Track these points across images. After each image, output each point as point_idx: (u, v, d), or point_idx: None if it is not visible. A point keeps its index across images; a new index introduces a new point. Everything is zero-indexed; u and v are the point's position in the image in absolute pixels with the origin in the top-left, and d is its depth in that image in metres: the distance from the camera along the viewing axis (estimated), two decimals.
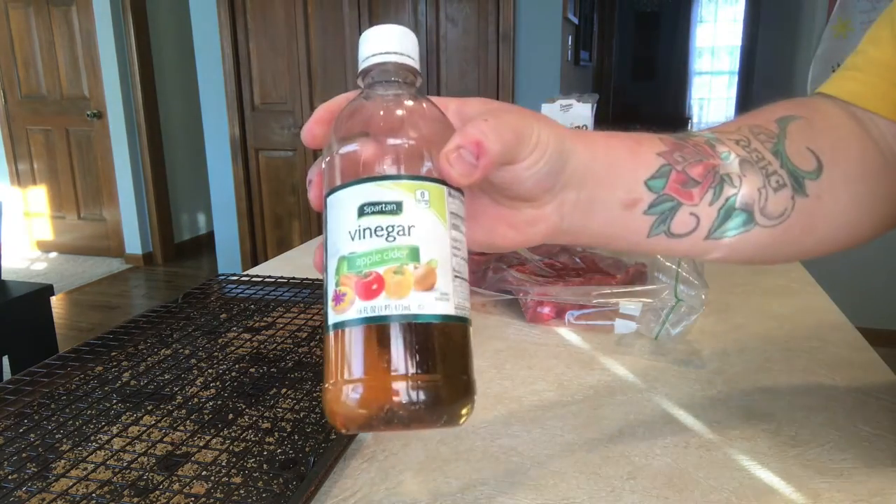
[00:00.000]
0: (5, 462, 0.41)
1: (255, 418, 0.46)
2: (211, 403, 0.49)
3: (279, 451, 0.42)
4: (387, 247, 0.26)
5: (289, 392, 0.50)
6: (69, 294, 3.53)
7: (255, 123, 3.14)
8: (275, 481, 0.39)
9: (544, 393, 0.54)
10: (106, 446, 0.43)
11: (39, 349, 1.91)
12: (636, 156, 0.39)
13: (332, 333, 0.26)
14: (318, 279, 0.76)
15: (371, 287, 0.25)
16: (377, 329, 0.25)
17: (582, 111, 1.33)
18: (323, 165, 0.30)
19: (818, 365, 0.58)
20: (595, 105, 1.38)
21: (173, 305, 0.70)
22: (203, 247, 4.38)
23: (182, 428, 0.45)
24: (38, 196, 4.25)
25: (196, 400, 0.49)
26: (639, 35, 7.45)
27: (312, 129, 0.33)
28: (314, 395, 0.50)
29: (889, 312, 2.37)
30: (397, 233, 0.26)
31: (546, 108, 1.34)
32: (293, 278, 0.77)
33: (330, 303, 0.26)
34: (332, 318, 0.26)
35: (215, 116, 3.17)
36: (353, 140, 0.28)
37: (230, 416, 0.47)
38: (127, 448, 0.42)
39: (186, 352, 0.58)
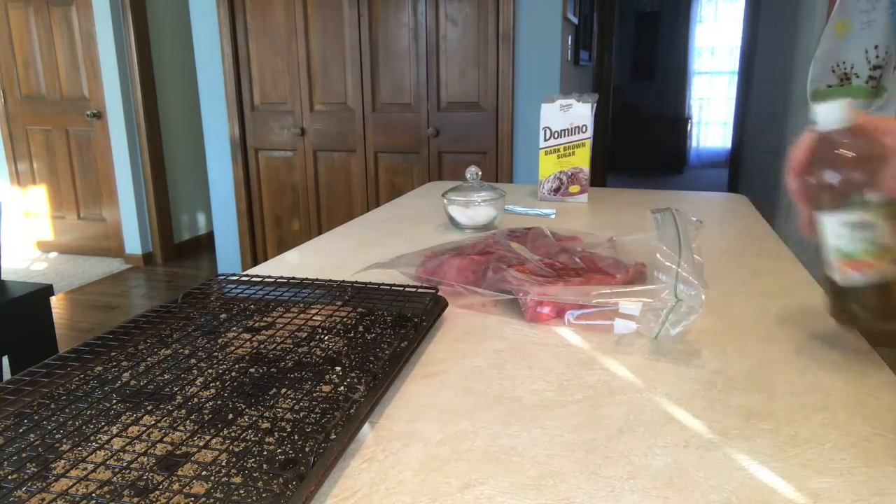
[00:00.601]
0: (5, 462, 0.41)
1: (254, 418, 0.46)
2: (211, 403, 0.49)
3: (279, 451, 0.42)
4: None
5: (289, 392, 0.50)
6: (69, 294, 3.53)
7: (255, 123, 3.14)
8: (275, 481, 0.39)
9: (544, 393, 0.54)
10: (106, 446, 0.43)
11: (39, 349, 1.91)
12: None
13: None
14: (317, 279, 0.76)
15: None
16: None
17: (581, 111, 1.33)
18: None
19: (818, 365, 0.58)
20: (595, 105, 1.38)
21: (173, 305, 0.70)
22: (203, 247, 4.38)
23: (182, 428, 0.45)
24: (38, 196, 4.25)
25: (196, 400, 0.49)
26: (639, 35, 7.45)
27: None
28: (314, 394, 0.50)
29: None
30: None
31: (546, 108, 1.34)
32: (293, 278, 0.77)
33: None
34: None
35: (215, 116, 3.17)
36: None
37: (230, 416, 0.47)
38: (127, 448, 0.42)
39: (186, 352, 0.58)
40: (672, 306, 0.61)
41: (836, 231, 0.55)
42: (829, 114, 0.54)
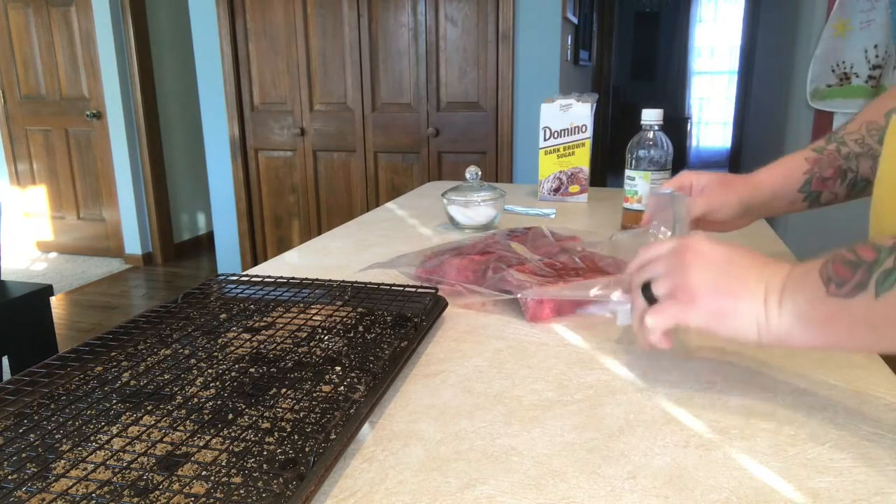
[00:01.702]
0: (5, 462, 0.41)
1: (254, 418, 0.46)
2: (211, 403, 0.49)
3: (279, 451, 0.42)
4: None
5: (288, 392, 0.50)
6: (69, 294, 3.53)
7: (255, 124, 3.14)
8: (275, 481, 0.39)
9: (544, 392, 0.54)
10: (106, 446, 0.43)
11: (39, 349, 1.91)
12: (790, 180, 0.77)
13: None
14: (317, 279, 0.76)
15: None
16: None
17: (581, 111, 1.33)
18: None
19: (818, 365, 0.59)
20: (594, 105, 1.38)
21: (173, 305, 0.70)
22: (203, 247, 4.38)
23: (182, 428, 0.45)
24: (38, 196, 4.25)
25: (196, 400, 0.49)
26: (638, 35, 7.45)
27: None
28: (314, 394, 0.50)
29: None
30: None
31: (545, 108, 1.34)
32: (293, 278, 0.77)
33: None
34: None
35: (215, 116, 3.17)
36: None
37: (230, 416, 0.47)
38: (127, 448, 0.42)
39: (186, 352, 0.58)
40: None
41: None
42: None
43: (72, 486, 0.38)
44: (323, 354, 0.57)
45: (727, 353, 0.62)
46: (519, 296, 0.70)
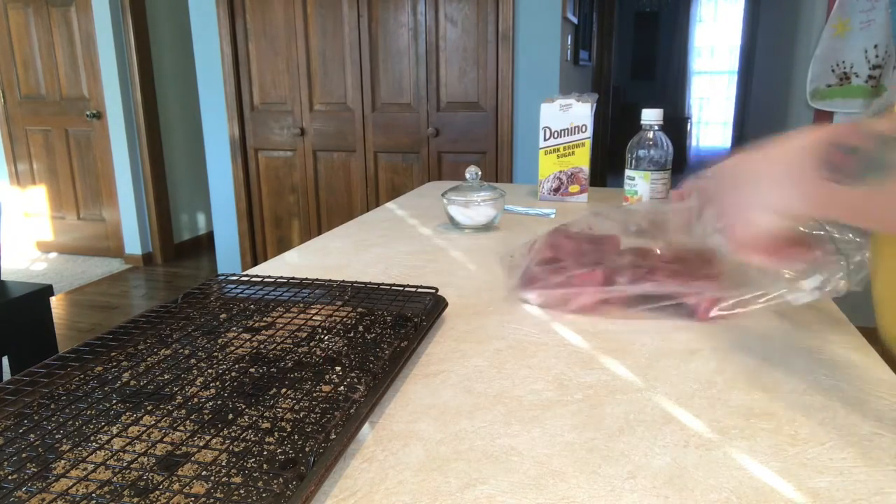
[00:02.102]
0: (5, 462, 0.41)
1: (254, 418, 0.46)
2: (211, 403, 0.49)
3: (279, 450, 0.42)
4: None
5: (289, 392, 0.50)
6: (69, 294, 3.53)
7: (255, 124, 3.14)
8: (275, 481, 0.39)
9: (544, 392, 0.54)
10: (106, 446, 0.43)
11: (39, 349, 1.91)
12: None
13: None
14: (317, 279, 0.76)
15: None
16: None
17: (581, 111, 1.33)
18: None
19: (818, 364, 0.59)
20: (594, 105, 1.38)
21: (173, 305, 0.70)
22: (203, 247, 4.38)
23: (182, 428, 0.45)
24: (38, 196, 4.25)
25: (196, 400, 0.49)
26: (638, 35, 7.45)
27: None
28: (314, 394, 0.50)
29: None
30: None
31: (545, 108, 1.34)
32: (293, 278, 0.77)
33: None
34: None
35: (215, 116, 3.17)
36: None
37: (230, 416, 0.47)
38: (127, 448, 0.42)
39: (186, 352, 0.58)
40: (845, 259, 0.61)
41: None
42: None
43: (72, 486, 0.38)
44: (323, 354, 0.57)
45: (727, 352, 0.62)
46: (689, 301, 0.68)
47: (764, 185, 0.53)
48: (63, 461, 0.41)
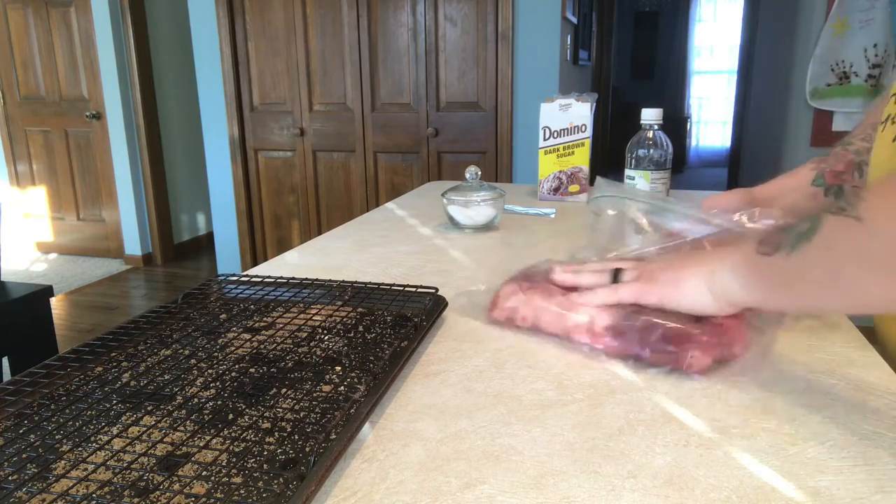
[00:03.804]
0: (5, 463, 0.41)
1: (255, 418, 0.46)
2: (211, 404, 0.49)
3: (279, 451, 0.42)
4: None
5: (289, 392, 0.50)
6: (69, 295, 3.53)
7: (254, 124, 3.14)
8: (275, 481, 0.39)
9: (544, 392, 0.54)
10: (106, 447, 0.43)
11: (39, 350, 1.91)
12: (799, 179, 0.81)
13: None
14: (317, 279, 0.76)
15: None
16: None
17: (581, 110, 1.33)
18: None
19: (818, 364, 0.59)
20: (594, 104, 1.38)
21: (173, 306, 0.70)
22: (202, 247, 4.38)
23: (182, 428, 0.45)
24: (38, 197, 4.25)
25: (196, 400, 0.49)
26: (637, 34, 7.45)
27: None
28: (314, 394, 0.50)
29: None
30: None
31: (545, 108, 1.34)
32: (293, 278, 0.77)
33: None
34: None
35: (214, 117, 3.17)
36: None
37: (230, 416, 0.47)
38: (127, 448, 0.42)
39: (186, 352, 0.58)
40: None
41: None
42: None
43: (72, 487, 0.38)
44: (323, 354, 0.57)
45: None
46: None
47: (706, 263, 0.56)
48: (63, 462, 0.41)
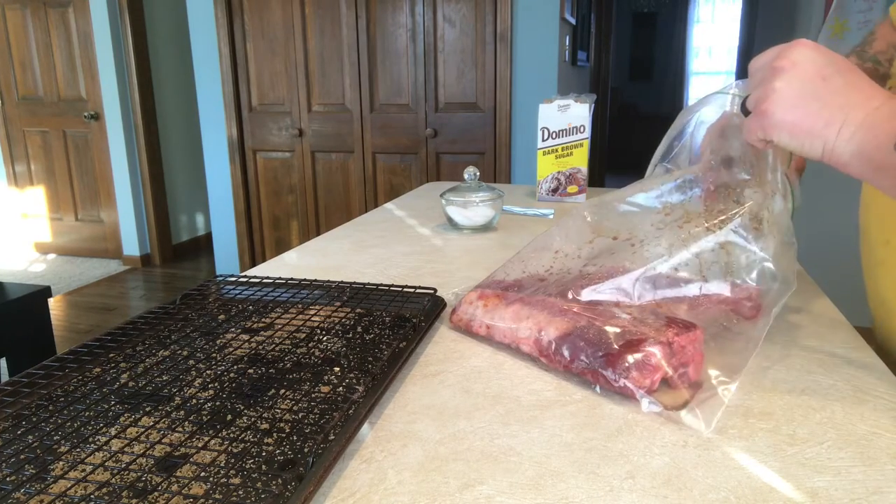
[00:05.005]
0: (3, 464, 0.41)
1: (253, 419, 0.46)
2: (209, 404, 0.48)
3: (278, 451, 0.42)
4: None
5: (287, 393, 0.50)
6: (67, 296, 3.53)
7: (253, 125, 3.13)
8: (274, 482, 0.39)
9: (543, 392, 0.54)
10: (104, 448, 0.43)
11: (37, 351, 1.91)
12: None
13: None
14: (315, 280, 0.76)
15: None
16: None
17: (579, 111, 1.33)
18: None
19: (817, 364, 0.59)
20: (592, 105, 1.38)
21: (171, 307, 0.70)
22: (201, 248, 4.38)
23: (180, 429, 0.45)
24: (36, 197, 4.24)
25: (194, 401, 0.49)
26: (636, 35, 7.45)
27: None
28: (313, 395, 0.50)
29: None
30: None
31: (543, 109, 1.34)
32: (291, 279, 0.77)
33: None
34: None
35: (213, 118, 3.17)
36: None
37: (229, 417, 0.47)
38: (125, 449, 0.42)
39: (185, 353, 0.58)
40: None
41: None
42: None
43: (70, 488, 0.38)
44: (322, 355, 0.57)
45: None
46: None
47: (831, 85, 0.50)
48: (61, 462, 0.41)
